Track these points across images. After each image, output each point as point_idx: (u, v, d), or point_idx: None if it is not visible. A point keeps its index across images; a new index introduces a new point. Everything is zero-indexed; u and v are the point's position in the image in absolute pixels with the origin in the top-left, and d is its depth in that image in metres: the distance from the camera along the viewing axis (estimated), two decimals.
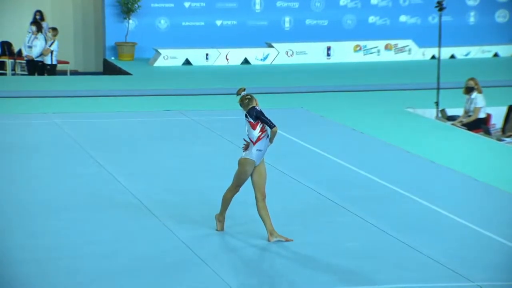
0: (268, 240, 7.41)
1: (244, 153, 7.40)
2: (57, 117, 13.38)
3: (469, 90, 13.53)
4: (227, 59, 20.69)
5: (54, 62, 18.65)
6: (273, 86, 17.13)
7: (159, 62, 20.33)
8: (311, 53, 21.20)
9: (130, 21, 21.08)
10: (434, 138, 12.30)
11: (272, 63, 20.96)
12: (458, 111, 13.95)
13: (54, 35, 18.59)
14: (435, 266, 6.95)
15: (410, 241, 7.52)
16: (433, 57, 21.29)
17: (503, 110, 13.92)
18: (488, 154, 11.45)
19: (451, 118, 13.94)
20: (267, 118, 7.35)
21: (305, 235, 7.65)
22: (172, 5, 21.45)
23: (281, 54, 21.04)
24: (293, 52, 21.12)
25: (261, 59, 20.95)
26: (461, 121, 13.56)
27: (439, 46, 15.04)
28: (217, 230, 7.68)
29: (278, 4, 21.97)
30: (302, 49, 21.17)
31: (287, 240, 7.44)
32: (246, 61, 20.84)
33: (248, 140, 7.42)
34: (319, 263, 6.96)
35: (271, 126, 7.32)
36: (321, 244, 7.42)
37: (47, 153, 10.91)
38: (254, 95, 7.48)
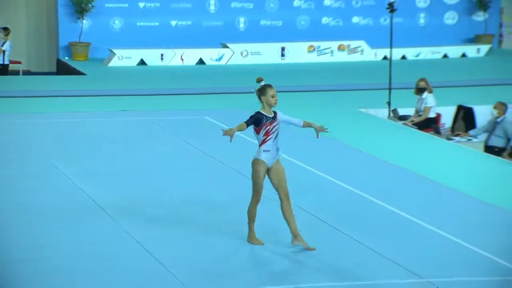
0: (292, 243, 7.25)
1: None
2: (9, 117, 13.29)
3: (420, 90, 13.81)
4: (182, 60, 20.73)
5: (7, 62, 18.50)
6: (227, 86, 17.22)
7: (114, 62, 20.28)
8: (266, 53, 21.35)
9: (84, 21, 20.99)
10: (386, 137, 12.51)
11: (227, 63, 21.06)
12: (410, 111, 14.22)
13: (6, 35, 18.42)
14: (391, 264, 7.11)
15: (369, 242, 7.65)
16: (385, 57, 21.58)
17: (453, 109, 14.25)
18: (438, 153, 11.71)
19: (403, 118, 14.19)
20: (250, 119, 7.41)
21: None
22: (126, 5, 21.41)
23: (236, 55, 21.14)
24: (247, 53, 21.24)
25: (216, 60, 21.03)
26: (412, 121, 13.83)
27: (391, 47, 15.32)
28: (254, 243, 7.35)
29: (233, 4, 22.08)
30: (257, 49, 21.31)
31: (309, 249, 7.20)
32: (201, 62, 20.91)
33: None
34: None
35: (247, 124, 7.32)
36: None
37: None
38: (266, 87, 7.44)
